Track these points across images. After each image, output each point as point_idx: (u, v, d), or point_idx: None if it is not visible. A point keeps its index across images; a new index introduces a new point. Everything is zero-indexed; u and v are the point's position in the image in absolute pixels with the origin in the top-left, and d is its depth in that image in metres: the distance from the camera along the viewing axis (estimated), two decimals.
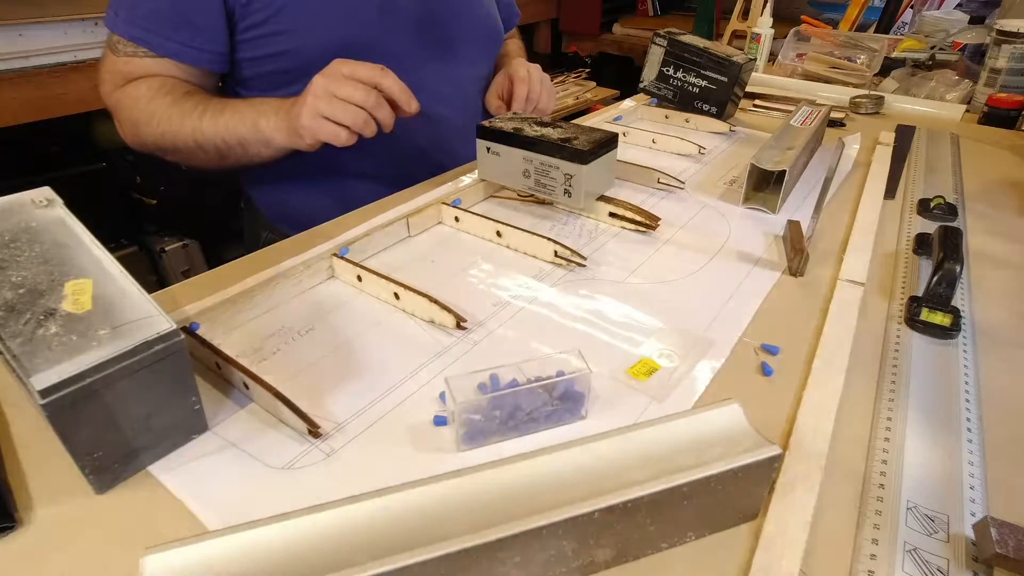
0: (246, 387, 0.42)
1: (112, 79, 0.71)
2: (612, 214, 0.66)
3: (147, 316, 0.36)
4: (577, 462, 0.32)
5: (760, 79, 1.19)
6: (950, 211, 0.69)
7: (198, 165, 0.74)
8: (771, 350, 0.47)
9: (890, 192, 0.74)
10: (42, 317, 0.35)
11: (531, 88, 0.82)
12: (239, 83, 0.77)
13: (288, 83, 0.74)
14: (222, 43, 0.70)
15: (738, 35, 1.93)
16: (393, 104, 0.64)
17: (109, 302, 0.36)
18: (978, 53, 1.23)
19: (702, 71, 0.91)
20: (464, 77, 0.87)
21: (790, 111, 0.91)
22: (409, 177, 0.77)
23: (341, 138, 0.62)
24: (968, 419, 0.41)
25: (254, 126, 0.67)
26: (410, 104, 0.64)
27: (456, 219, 0.66)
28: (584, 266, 0.59)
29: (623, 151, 0.78)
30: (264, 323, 0.51)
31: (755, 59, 1.25)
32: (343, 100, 0.61)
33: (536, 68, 0.85)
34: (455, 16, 0.82)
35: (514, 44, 1.05)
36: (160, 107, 0.68)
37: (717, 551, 0.33)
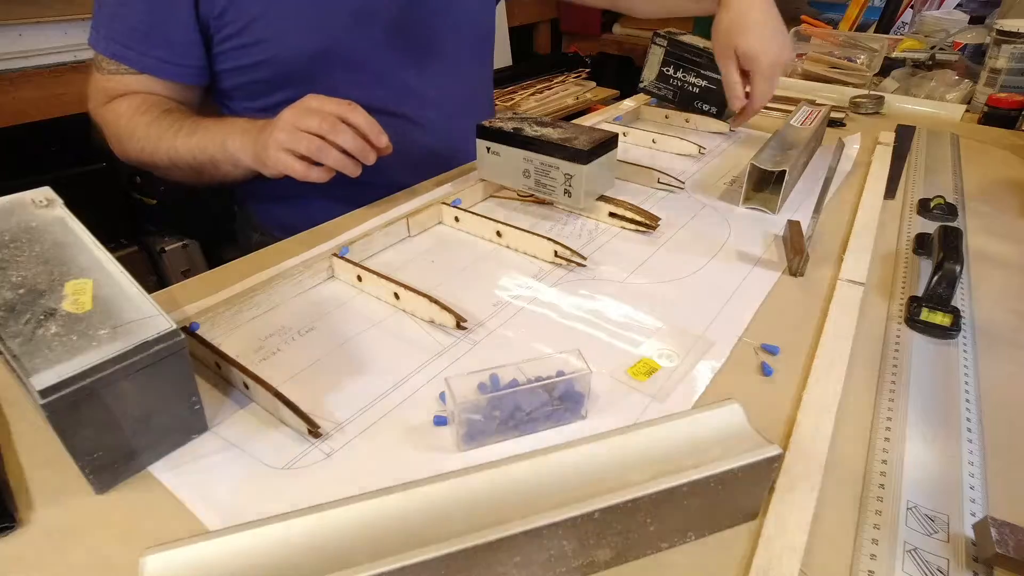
0: (246, 387, 0.42)
1: (97, 96, 0.73)
2: (612, 214, 0.66)
3: (147, 316, 0.36)
4: (577, 462, 0.32)
5: None
6: (950, 211, 0.69)
7: (178, 180, 0.74)
8: (771, 350, 0.47)
9: (890, 192, 0.74)
10: (42, 317, 0.35)
11: (771, 86, 0.75)
12: (222, 95, 0.77)
13: (268, 92, 0.74)
14: (198, 56, 0.71)
15: None
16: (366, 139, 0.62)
17: (109, 302, 0.36)
18: (978, 53, 1.23)
19: (702, 71, 0.91)
20: (450, 79, 0.85)
21: (790, 111, 0.91)
22: (398, 184, 0.75)
23: (297, 170, 0.60)
24: (968, 419, 0.41)
25: (222, 146, 0.66)
26: (379, 139, 0.62)
27: (456, 219, 0.66)
28: (584, 266, 0.59)
29: (623, 151, 0.78)
30: (264, 323, 0.51)
31: None
32: (307, 133, 0.59)
33: (768, 71, 0.73)
34: (437, 18, 0.80)
35: None
36: (139, 125, 0.69)
37: (717, 551, 0.33)
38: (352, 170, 0.61)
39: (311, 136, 0.59)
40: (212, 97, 0.80)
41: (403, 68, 0.79)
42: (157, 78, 0.71)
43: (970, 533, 0.34)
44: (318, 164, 0.60)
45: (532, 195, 0.68)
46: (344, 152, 0.60)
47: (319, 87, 0.65)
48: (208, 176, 0.71)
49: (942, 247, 0.52)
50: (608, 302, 0.54)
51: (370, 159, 0.62)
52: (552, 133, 0.65)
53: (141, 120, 0.69)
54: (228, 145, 0.66)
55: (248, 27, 0.69)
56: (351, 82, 0.74)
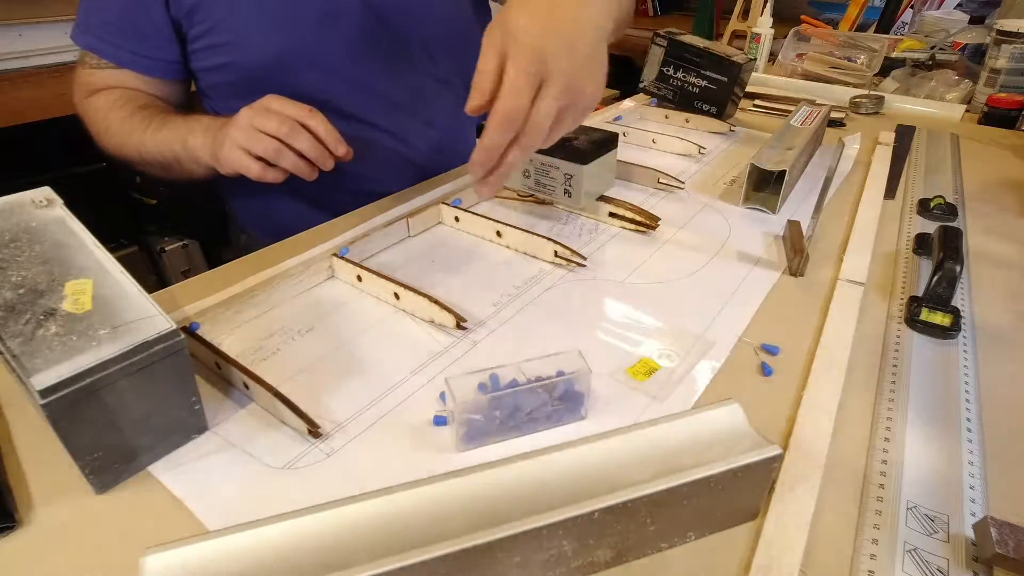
0: (246, 387, 0.42)
1: (79, 90, 0.74)
2: (612, 214, 0.66)
3: (147, 316, 0.36)
4: (577, 462, 0.32)
5: (760, 79, 1.19)
6: (950, 211, 0.69)
7: (153, 176, 0.75)
8: (771, 350, 0.47)
9: (890, 192, 0.74)
10: (42, 317, 0.35)
11: (513, 103, 0.43)
12: (201, 93, 0.78)
13: (239, 95, 0.73)
14: (171, 52, 0.71)
15: (738, 35, 1.92)
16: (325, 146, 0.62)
17: (109, 302, 0.36)
18: (978, 53, 1.23)
19: (702, 71, 0.91)
20: (423, 83, 0.83)
21: (790, 111, 0.91)
22: (368, 190, 0.74)
23: (253, 170, 0.60)
24: (968, 419, 0.41)
25: (184, 143, 0.67)
26: (337, 148, 0.61)
27: (456, 219, 0.66)
28: (584, 266, 0.59)
29: (623, 151, 0.78)
30: (264, 323, 0.51)
31: (755, 59, 1.25)
32: (259, 131, 0.59)
33: (525, 57, 0.42)
34: (409, 21, 0.78)
35: None
36: (115, 120, 0.70)
37: (717, 551, 0.33)
38: (308, 175, 0.61)
39: (269, 138, 0.59)
40: (199, 96, 0.80)
41: (372, 74, 0.77)
42: (133, 72, 0.71)
43: (970, 533, 0.34)
44: (272, 166, 0.61)
45: (532, 195, 0.68)
46: (302, 156, 0.60)
47: (288, 90, 0.64)
48: (176, 173, 0.71)
49: (942, 247, 0.52)
50: (608, 302, 0.54)
51: (328, 165, 0.62)
52: None
53: (117, 115, 0.70)
54: (189, 142, 0.66)
55: (215, 28, 0.70)
56: (319, 87, 0.74)
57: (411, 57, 0.80)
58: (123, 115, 0.70)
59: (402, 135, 0.82)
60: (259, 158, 0.60)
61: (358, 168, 0.66)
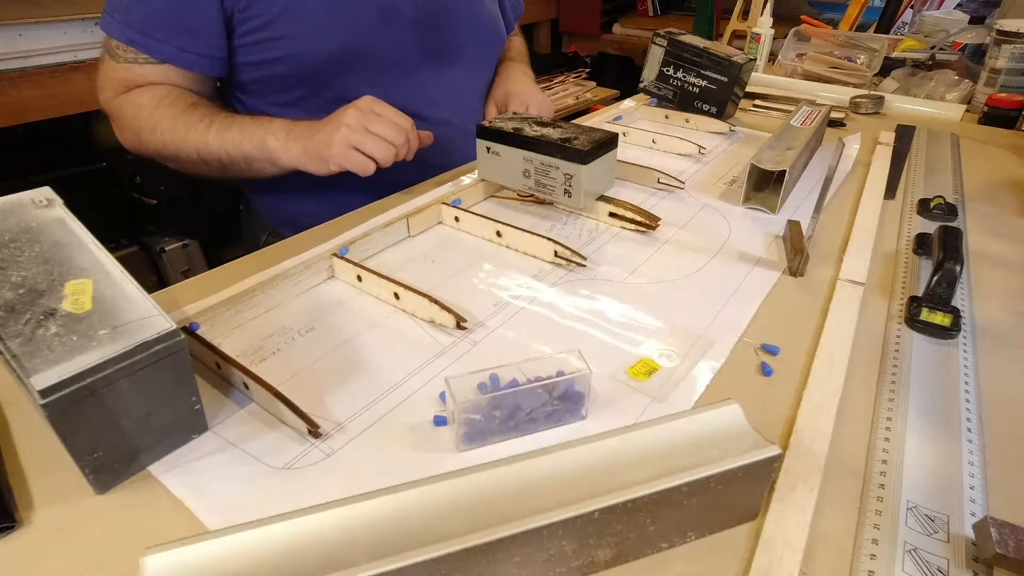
0: (246, 387, 0.42)
1: (112, 86, 0.71)
2: (612, 214, 0.66)
3: (147, 316, 0.36)
4: (577, 462, 0.32)
5: (760, 79, 1.19)
6: (950, 211, 0.69)
7: (199, 174, 0.74)
8: (771, 350, 0.47)
9: (890, 192, 0.74)
10: (42, 317, 0.35)
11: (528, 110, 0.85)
12: (238, 88, 0.76)
13: (286, 89, 0.74)
14: (220, 48, 0.70)
15: (738, 35, 1.92)
16: None
17: (109, 302, 0.36)
18: (978, 53, 1.23)
19: (702, 71, 0.91)
20: (462, 82, 0.86)
21: (790, 111, 0.91)
22: (408, 182, 0.77)
23: (369, 170, 0.64)
24: (968, 419, 0.41)
25: (261, 144, 0.67)
26: (422, 145, 0.70)
27: (456, 219, 0.66)
28: (584, 266, 0.58)
29: (623, 151, 0.78)
30: (264, 323, 0.51)
31: (755, 59, 1.25)
32: (376, 136, 0.63)
33: (535, 92, 0.85)
34: (456, 21, 0.82)
35: (517, 42, 1.04)
36: (164, 118, 0.68)
37: (717, 551, 0.33)
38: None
39: (386, 143, 0.63)
40: (224, 92, 0.79)
41: (421, 68, 0.80)
42: (176, 67, 0.69)
43: (970, 533, 0.34)
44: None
45: (532, 195, 0.68)
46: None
47: (339, 84, 0.66)
48: (236, 172, 0.71)
49: (942, 247, 0.52)
50: (608, 302, 0.54)
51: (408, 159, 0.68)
52: (552, 133, 0.65)
53: (166, 112, 0.68)
54: (268, 143, 0.66)
55: (273, 22, 0.69)
56: (370, 81, 0.74)
57: (454, 54, 0.83)
58: (173, 112, 0.68)
59: (445, 128, 0.83)
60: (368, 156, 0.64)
61: (416, 159, 0.69)
